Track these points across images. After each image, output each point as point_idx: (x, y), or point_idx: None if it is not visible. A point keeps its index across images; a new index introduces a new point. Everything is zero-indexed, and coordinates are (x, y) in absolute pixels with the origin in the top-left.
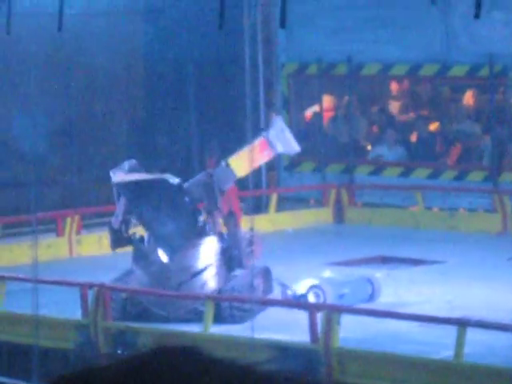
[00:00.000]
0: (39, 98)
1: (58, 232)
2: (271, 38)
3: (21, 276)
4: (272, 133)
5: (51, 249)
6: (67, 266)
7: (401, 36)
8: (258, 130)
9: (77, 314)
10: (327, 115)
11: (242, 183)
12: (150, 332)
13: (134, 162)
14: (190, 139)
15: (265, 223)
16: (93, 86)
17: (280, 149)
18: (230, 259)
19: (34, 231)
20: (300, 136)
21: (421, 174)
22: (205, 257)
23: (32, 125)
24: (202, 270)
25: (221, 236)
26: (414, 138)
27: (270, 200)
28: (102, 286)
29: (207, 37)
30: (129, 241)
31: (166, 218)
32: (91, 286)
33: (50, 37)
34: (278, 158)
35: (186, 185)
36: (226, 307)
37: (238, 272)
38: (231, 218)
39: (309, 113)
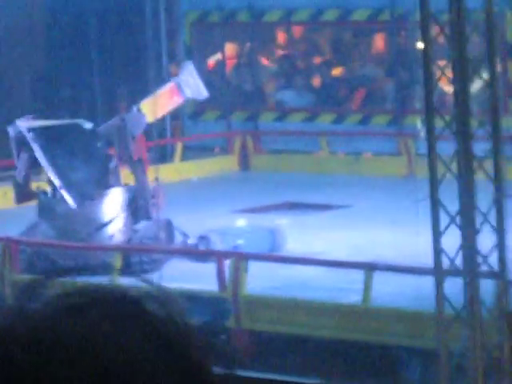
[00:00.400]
0: None
1: None
2: None
3: None
4: (182, 78)
5: None
6: None
7: None
8: (161, 79)
9: None
10: (230, 63)
11: (146, 133)
12: (59, 285)
13: (30, 117)
14: (94, 90)
15: (170, 173)
16: None
17: (189, 94)
18: (136, 210)
19: None
20: (204, 85)
21: (325, 120)
22: (112, 208)
23: None
24: (109, 222)
25: (127, 186)
26: (317, 83)
27: (175, 149)
28: (8, 240)
29: None
30: (33, 195)
31: (78, 164)
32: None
33: None
34: (182, 106)
35: (98, 129)
36: (135, 259)
37: (142, 223)
38: (139, 165)
39: (212, 61)
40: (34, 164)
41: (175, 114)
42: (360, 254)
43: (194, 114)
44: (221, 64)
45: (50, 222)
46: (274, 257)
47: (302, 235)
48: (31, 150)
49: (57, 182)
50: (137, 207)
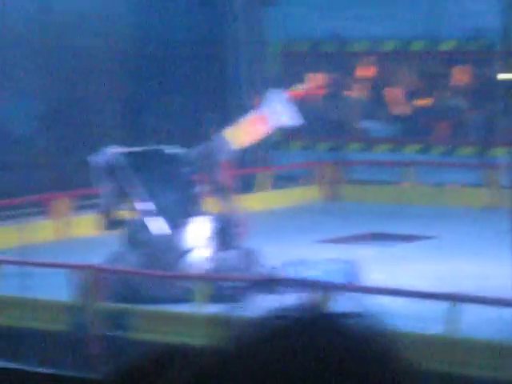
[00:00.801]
0: (26, 80)
1: (48, 214)
2: (260, 17)
3: (11, 259)
4: (270, 106)
5: (40, 231)
6: (57, 248)
7: (389, 12)
8: (245, 107)
9: (68, 296)
10: (316, 92)
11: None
12: (142, 313)
13: (115, 147)
14: (178, 118)
15: (255, 202)
16: (80, 67)
17: (280, 121)
18: (224, 238)
19: (23, 214)
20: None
21: (411, 150)
22: (200, 235)
23: (19, 107)
24: (196, 249)
25: (215, 214)
26: (403, 113)
27: (260, 179)
28: (93, 268)
29: (196, 17)
30: (121, 222)
31: (164, 190)
32: (82, 267)
33: (37, 18)
34: (268, 136)
35: (183, 155)
36: (224, 287)
37: (230, 252)
38: (226, 192)
39: (298, 91)
40: (120, 192)
41: (261, 144)
42: (443, 285)
43: (280, 143)
44: (307, 94)
45: (137, 249)
46: (357, 287)
47: (386, 266)
48: (117, 178)
49: (144, 208)
50: (224, 235)
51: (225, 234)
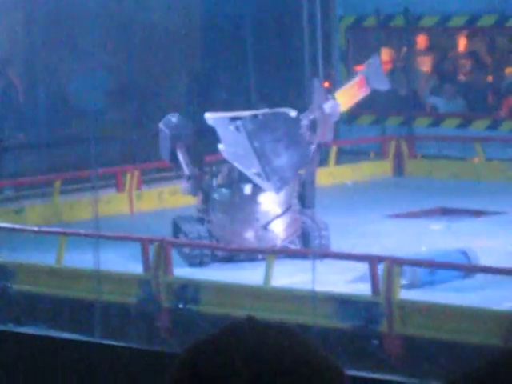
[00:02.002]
0: (98, 54)
1: (118, 187)
2: None
3: (82, 232)
4: (368, 71)
5: (111, 204)
6: (128, 222)
7: None
8: (318, 81)
9: (138, 269)
10: (385, 67)
11: None
12: (211, 286)
13: (178, 115)
14: (249, 93)
15: (324, 176)
16: (151, 41)
17: (374, 86)
18: (303, 197)
19: (94, 187)
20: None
21: (479, 126)
22: (290, 196)
23: (91, 81)
24: (285, 211)
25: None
26: (472, 89)
27: (330, 153)
28: (163, 241)
29: None
30: (208, 187)
31: (283, 150)
32: (152, 240)
33: None
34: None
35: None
36: (316, 236)
37: (308, 212)
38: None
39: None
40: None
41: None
42: None
43: (349, 118)
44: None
45: (226, 213)
46: (426, 262)
47: (455, 241)
48: (186, 145)
49: (255, 170)
50: (304, 194)
51: (308, 192)
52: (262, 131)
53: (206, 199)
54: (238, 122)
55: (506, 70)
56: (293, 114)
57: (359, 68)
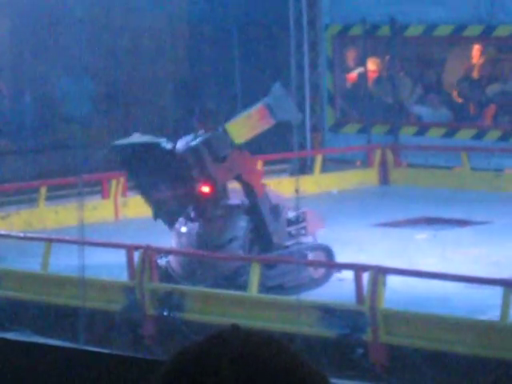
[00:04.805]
0: (84, 60)
1: (104, 194)
2: (315, 0)
3: (67, 238)
4: (271, 100)
5: (97, 211)
6: (113, 228)
7: None
8: (301, 90)
9: (123, 276)
10: (371, 76)
11: (286, 144)
12: (196, 294)
13: (138, 134)
14: (236, 99)
15: (310, 185)
16: (137, 47)
17: (280, 116)
18: (257, 236)
19: (79, 193)
20: (344, 97)
21: (465, 135)
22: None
23: (77, 87)
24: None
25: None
26: (455, 99)
27: (315, 161)
28: (147, 248)
29: None
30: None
31: (163, 185)
32: (137, 247)
33: None
34: (322, 118)
35: (178, 149)
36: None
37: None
38: (249, 189)
39: (353, 74)
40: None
41: (315, 126)
42: (499, 271)
43: (335, 126)
44: (362, 77)
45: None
46: (411, 271)
47: (440, 250)
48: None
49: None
50: (259, 234)
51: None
52: (136, 161)
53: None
54: (117, 149)
55: (490, 80)
56: (167, 145)
57: (351, 76)
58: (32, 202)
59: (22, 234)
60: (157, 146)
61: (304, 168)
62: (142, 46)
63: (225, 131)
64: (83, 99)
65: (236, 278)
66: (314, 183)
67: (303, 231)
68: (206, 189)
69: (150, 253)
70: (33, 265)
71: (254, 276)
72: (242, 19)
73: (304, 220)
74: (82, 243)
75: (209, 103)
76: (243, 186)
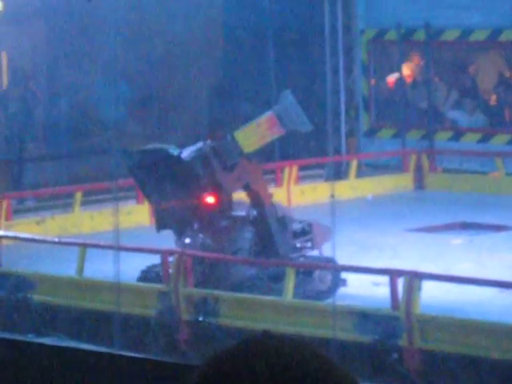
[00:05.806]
0: (119, 66)
1: (139, 199)
2: (350, 5)
3: (102, 243)
4: (280, 109)
5: (132, 216)
6: (148, 233)
7: (481, 1)
8: (337, 95)
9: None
10: (407, 81)
11: (321, 149)
12: (231, 299)
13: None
14: (271, 104)
15: (345, 190)
16: (173, 53)
17: (290, 125)
18: (263, 247)
19: (114, 198)
20: (379, 102)
21: (500, 140)
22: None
23: (112, 93)
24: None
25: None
26: (492, 103)
27: (350, 166)
28: (182, 253)
29: (286, 3)
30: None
31: (170, 193)
32: (172, 252)
33: (131, 4)
34: (358, 124)
35: (185, 157)
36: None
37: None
38: (257, 198)
39: (391, 79)
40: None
41: (350, 131)
42: None
43: (370, 131)
44: (399, 82)
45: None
46: (446, 276)
47: (476, 255)
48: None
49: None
50: (264, 245)
51: (268, 242)
52: (144, 168)
53: None
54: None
55: None
56: (174, 151)
57: (390, 80)
58: (67, 207)
59: (57, 239)
60: (165, 153)
61: (339, 173)
62: (178, 52)
63: (234, 140)
64: (118, 104)
65: (247, 285)
66: (349, 188)
67: (309, 244)
68: (210, 199)
69: (185, 258)
70: (68, 270)
71: (289, 282)
72: (276, 25)
73: (310, 232)
74: (118, 248)
75: (244, 108)
76: (251, 196)
